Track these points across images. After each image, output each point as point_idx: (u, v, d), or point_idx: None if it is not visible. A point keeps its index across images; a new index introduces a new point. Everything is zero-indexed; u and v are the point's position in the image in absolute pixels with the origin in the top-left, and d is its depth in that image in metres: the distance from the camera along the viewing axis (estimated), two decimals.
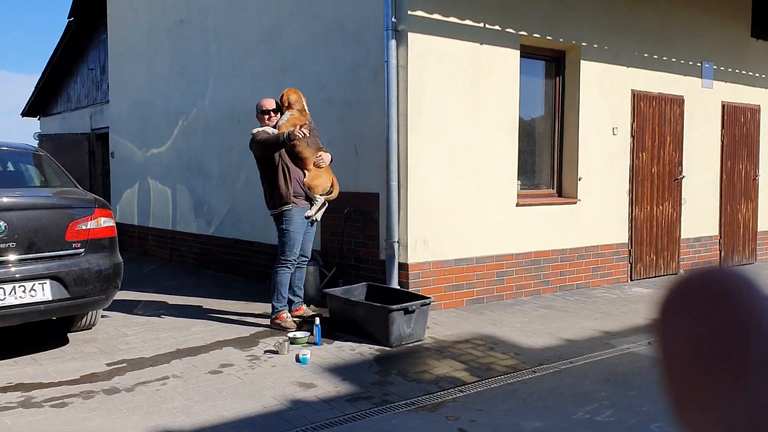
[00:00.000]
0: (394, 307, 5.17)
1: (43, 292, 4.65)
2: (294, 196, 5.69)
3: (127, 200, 11.26)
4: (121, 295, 7.25)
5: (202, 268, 9.22)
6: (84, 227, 4.90)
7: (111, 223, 5.13)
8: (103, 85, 12.17)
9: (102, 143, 12.43)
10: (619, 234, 8.07)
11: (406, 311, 5.24)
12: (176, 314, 6.45)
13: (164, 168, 10.07)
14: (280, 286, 5.69)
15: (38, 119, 15.64)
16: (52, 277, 4.70)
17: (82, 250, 4.88)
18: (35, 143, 12.49)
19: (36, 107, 15.18)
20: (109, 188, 11.89)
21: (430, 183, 6.34)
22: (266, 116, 5.86)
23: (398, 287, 6.21)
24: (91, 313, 5.42)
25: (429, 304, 5.44)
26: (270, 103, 5.90)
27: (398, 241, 6.28)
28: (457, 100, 6.48)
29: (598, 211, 7.81)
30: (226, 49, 8.51)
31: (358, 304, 5.51)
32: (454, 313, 6.40)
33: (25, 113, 15.39)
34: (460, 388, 4.37)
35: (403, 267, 6.27)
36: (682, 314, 0.39)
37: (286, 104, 5.81)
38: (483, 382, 4.49)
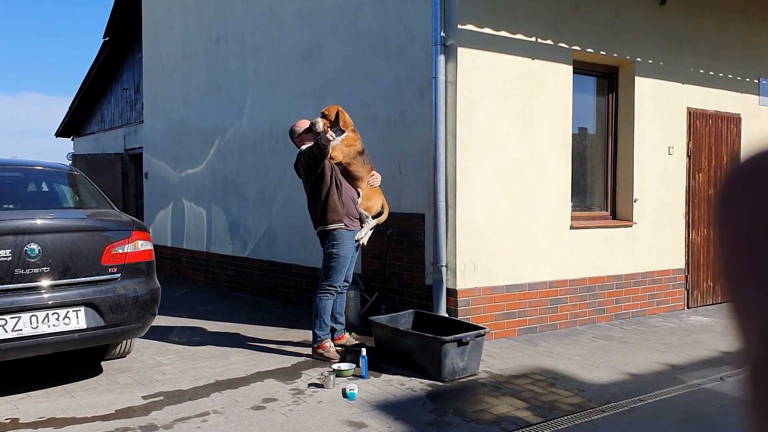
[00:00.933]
0: (448, 338, 4.82)
1: (77, 319, 4.39)
2: (347, 216, 5.40)
3: (161, 221, 11.08)
4: (156, 320, 7.00)
5: (236, 291, 8.96)
6: (121, 251, 4.64)
7: (149, 246, 4.87)
8: (137, 105, 12.07)
9: (135, 164, 12.31)
10: (676, 259, 7.63)
11: (460, 343, 4.88)
12: (213, 341, 6.16)
13: (199, 188, 9.87)
14: (323, 313, 5.37)
15: (72, 140, 15.63)
16: (87, 304, 4.44)
17: (118, 275, 4.62)
18: (68, 164, 12.42)
19: (70, 128, 15.17)
20: (142, 209, 11.74)
21: (479, 203, 6.01)
22: (305, 138, 5.56)
23: (446, 315, 5.86)
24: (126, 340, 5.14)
25: (484, 335, 5.07)
26: (305, 124, 5.62)
27: (446, 265, 5.94)
28: (509, 117, 6.16)
29: (654, 234, 7.39)
30: (264, 66, 8.30)
31: (407, 334, 5.17)
32: (507, 343, 6.02)
33: (59, 134, 15.39)
34: (524, 430, 3.99)
35: (452, 293, 5.92)
36: (745, 189, 0.40)
37: (342, 123, 5.46)
38: (549, 422, 4.10)
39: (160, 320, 7.11)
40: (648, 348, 5.99)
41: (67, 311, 4.36)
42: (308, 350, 5.66)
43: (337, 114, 5.41)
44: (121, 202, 12.40)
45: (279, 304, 8.02)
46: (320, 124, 5.29)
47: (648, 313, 7.40)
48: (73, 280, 4.44)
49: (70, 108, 14.37)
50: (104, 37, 12.14)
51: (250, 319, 7.19)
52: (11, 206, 4.92)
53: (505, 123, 6.14)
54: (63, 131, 15.25)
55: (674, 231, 7.58)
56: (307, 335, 6.34)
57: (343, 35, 7.07)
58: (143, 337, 6.06)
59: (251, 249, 8.68)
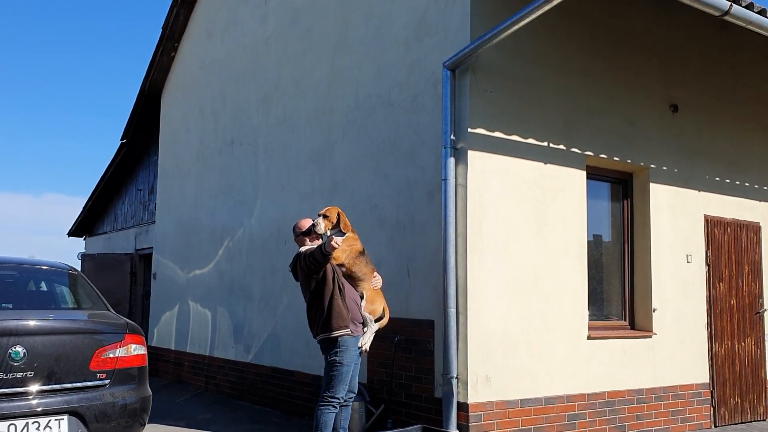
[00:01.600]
0: None
1: (59, 429, 4.10)
2: (352, 321, 5.12)
3: (166, 323, 10.83)
4: (151, 429, 6.64)
5: (237, 398, 8.57)
6: (112, 355, 4.41)
7: (142, 350, 4.63)
8: (150, 206, 12.11)
9: (145, 264, 12.21)
10: (699, 373, 7.22)
11: None
12: None
13: (206, 290, 9.68)
14: (324, 428, 5.01)
15: (84, 239, 15.64)
16: (71, 413, 4.16)
17: (107, 381, 4.37)
18: (78, 263, 12.35)
19: (83, 227, 15.21)
20: (149, 310, 11.52)
21: (492, 311, 5.75)
22: (306, 237, 5.38)
23: None
24: None
25: None
26: (308, 223, 5.42)
27: (457, 377, 5.61)
28: (521, 221, 6.00)
29: (675, 346, 7.03)
30: (276, 168, 8.30)
31: None
32: None
33: (71, 233, 15.43)
34: None
35: (463, 407, 5.56)
36: None
37: (343, 225, 5.26)
38: None
39: (156, 429, 6.74)
40: None
41: (49, 420, 4.08)
42: None
43: (338, 216, 5.25)
44: (128, 302, 12.21)
45: (280, 414, 7.61)
46: (321, 225, 5.13)
47: (672, 431, 6.93)
48: (59, 386, 4.18)
49: (84, 207, 14.46)
50: (122, 139, 12.35)
51: (249, 430, 6.79)
52: (4, 305, 4.74)
53: (518, 227, 5.98)
54: (76, 231, 15.29)
55: (696, 343, 7.22)
56: None
57: (354, 138, 7.08)
58: None
59: (254, 354, 8.37)
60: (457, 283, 5.69)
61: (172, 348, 10.47)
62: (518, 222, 5.98)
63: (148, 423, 7.19)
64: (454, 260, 5.70)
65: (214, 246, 9.53)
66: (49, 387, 4.15)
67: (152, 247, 11.54)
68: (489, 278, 5.75)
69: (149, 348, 11.31)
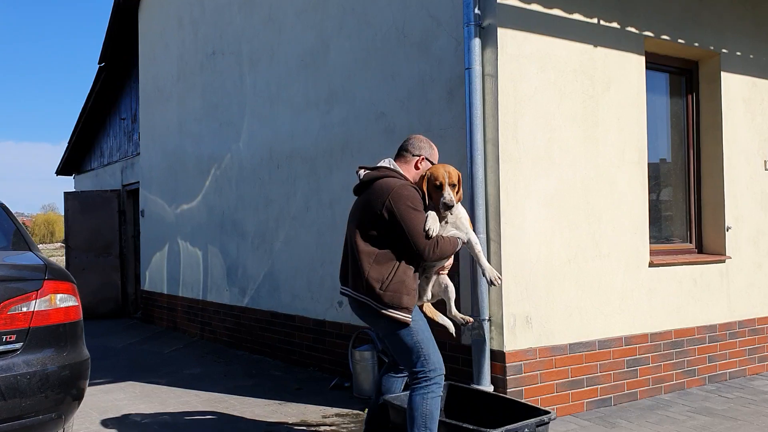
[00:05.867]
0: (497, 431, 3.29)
1: None
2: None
3: (156, 265, 9.75)
4: (122, 388, 5.59)
5: (235, 347, 7.51)
6: (25, 309, 3.25)
7: (72, 302, 3.47)
8: (135, 136, 10.87)
9: (134, 201, 11.05)
10: None
11: None
12: (181, 425, 4.69)
13: (195, 226, 8.53)
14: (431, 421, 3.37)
15: (73, 177, 14.50)
16: None
17: (18, 345, 3.22)
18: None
19: (70, 165, 14.04)
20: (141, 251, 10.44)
21: (532, 236, 4.52)
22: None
23: (492, 389, 4.33)
24: None
25: (548, 423, 3.53)
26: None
27: (490, 319, 4.43)
28: (566, 122, 4.70)
29: (753, 271, 5.80)
30: (263, 79, 6.98)
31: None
32: (575, 424, 4.44)
33: (59, 171, 14.28)
34: None
35: (498, 357, 4.40)
36: None
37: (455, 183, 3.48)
38: None
39: (132, 388, 5.71)
40: None
41: None
42: None
43: (456, 174, 3.51)
44: (118, 244, 11.11)
45: (281, 365, 6.54)
46: (453, 197, 3.40)
47: (749, 372, 5.76)
48: None
49: (69, 143, 13.24)
50: (99, 63, 11.01)
51: (241, 387, 5.72)
52: None
53: (563, 129, 4.67)
54: (63, 169, 14.14)
55: None
56: (307, 411, 4.85)
57: (353, 31, 5.72)
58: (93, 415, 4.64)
59: (250, 297, 7.25)
60: (487, 202, 4.44)
61: (165, 292, 9.42)
62: (562, 122, 4.68)
63: (124, 381, 6.21)
64: (483, 173, 4.44)
65: (201, 176, 8.32)
66: None
67: (138, 182, 10.36)
68: (527, 195, 4.50)
69: (143, 293, 10.38)
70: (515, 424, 3.37)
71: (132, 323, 10.19)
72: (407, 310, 3.36)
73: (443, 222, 3.45)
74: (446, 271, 3.71)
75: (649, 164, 5.23)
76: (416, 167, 3.59)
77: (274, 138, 6.80)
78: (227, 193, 7.74)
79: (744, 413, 4.69)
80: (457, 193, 3.45)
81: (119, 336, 9.01)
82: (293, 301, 6.52)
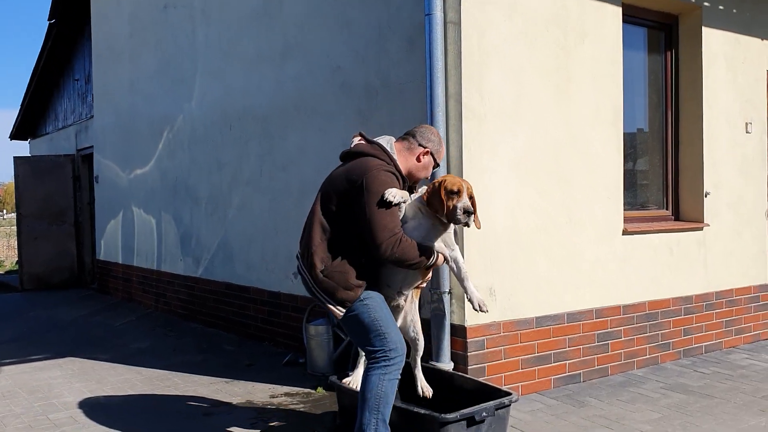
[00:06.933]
0: (449, 417, 2.95)
1: None
2: None
3: (111, 233, 9.28)
4: (62, 364, 5.17)
5: (189, 319, 7.11)
6: None
7: None
8: (89, 98, 10.28)
9: (89, 166, 10.50)
10: (759, 272, 5.73)
11: (471, 422, 3.01)
12: (114, 409, 4.31)
13: (148, 192, 8.06)
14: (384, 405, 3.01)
15: (28, 142, 13.84)
16: None
17: None
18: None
19: (25, 129, 13.37)
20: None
21: (497, 202, 4.15)
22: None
23: (451, 367, 3.99)
24: None
25: (509, 405, 3.20)
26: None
27: (450, 292, 4.08)
28: (536, 77, 4.30)
29: (731, 240, 5.50)
30: (215, 32, 6.49)
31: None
32: (540, 402, 4.13)
33: (13, 136, 13.60)
34: None
35: (459, 332, 4.06)
36: None
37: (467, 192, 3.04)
38: None
39: (72, 364, 5.32)
40: (746, 405, 4.10)
41: None
42: (251, 420, 3.81)
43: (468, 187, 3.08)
44: (74, 211, 10.58)
45: (235, 339, 6.16)
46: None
47: (725, 345, 5.50)
48: None
49: (21, 105, 12.55)
50: (50, 19, 10.36)
51: (189, 362, 5.34)
52: None
53: (533, 84, 4.28)
54: (17, 133, 13.46)
55: (756, 235, 5.69)
56: (255, 390, 4.49)
57: None
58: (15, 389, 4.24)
59: (204, 267, 6.84)
60: (449, 164, 4.06)
61: (120, 262, 8.96)
62: (532, 77, 4.29)
63: (64, 357, 5.75)
64: (444, 132, 4.04)
65: (154, 139, 7.83)
66: None
67: (93, 146, 9.82)
68: (492, 156, 4.12)
69: (98, 262, 9.89)
70: (471, 408, 3.03)
71: (87, 294, 9.73)
72: (342, 303, 2.95)
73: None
74: (419, 291, 3.33)
75: (624, 125, 4.87)
76: (418, 159, 3.14)
77: (226, 96, 6.33)
78: (180, 157, 7.27)
79: (720, 390, 4.42)
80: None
81: (71, 307, 8.57)
82: (248, 271, 6.12)
